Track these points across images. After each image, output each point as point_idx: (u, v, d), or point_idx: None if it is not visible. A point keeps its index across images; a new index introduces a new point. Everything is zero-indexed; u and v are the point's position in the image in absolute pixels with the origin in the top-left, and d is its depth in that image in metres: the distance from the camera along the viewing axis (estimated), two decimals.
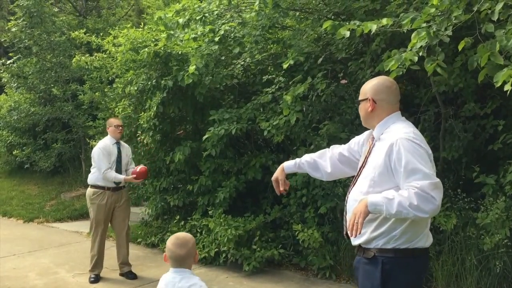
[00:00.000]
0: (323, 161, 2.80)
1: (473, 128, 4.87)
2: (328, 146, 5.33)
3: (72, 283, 5.26)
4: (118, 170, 5.42)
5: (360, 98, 2.51)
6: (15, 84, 10.87)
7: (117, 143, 5.49)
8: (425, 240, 2.34)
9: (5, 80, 11.10)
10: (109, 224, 5.57)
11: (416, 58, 2.92)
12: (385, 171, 2.28)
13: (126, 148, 5.65)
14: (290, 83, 5.46)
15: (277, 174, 2.87)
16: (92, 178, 5.42)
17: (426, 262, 2.40)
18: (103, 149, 5.37)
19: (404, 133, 2.28)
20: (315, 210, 5.39)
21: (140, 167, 5.40)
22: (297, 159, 2.87)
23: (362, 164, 2.47)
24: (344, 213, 2.54)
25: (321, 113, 5.52)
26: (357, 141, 2.72)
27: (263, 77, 5.87)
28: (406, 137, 2.25)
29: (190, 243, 2.51)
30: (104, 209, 5.34)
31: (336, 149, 2.82)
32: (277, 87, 5.61)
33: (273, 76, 5.77)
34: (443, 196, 4.79)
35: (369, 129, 2.58)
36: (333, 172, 2.78)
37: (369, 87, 2.46)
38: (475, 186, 4.69)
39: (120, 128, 5.52)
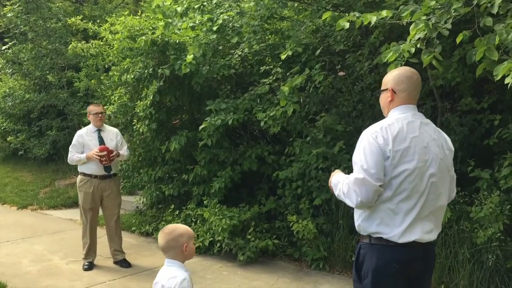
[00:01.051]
0: None
1: (469, 123, 4.89)
2: (324, 138, 5.39)
3: (65, 270, 5.26)
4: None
5: (381, 88, 2.55)
6: (10, 70, 10.78)
7: (98, 130, 5.40)
8: (398, 236, 2.33)
9: (0, 66, 11.00)
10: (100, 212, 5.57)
11: (413, 50, 2.91)
12: None
13: (112, 133, 5.50)
14: (288, 74, 5.45)
15: None
16: (80, 165, 5.40)
17: (404, 253, 2.36)
18: (77, 136, 5.37)
19: (373, 129, 2.37)
20: (310, 201, 5.41)
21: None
22: None
23: None
24: None
25: (318, 105, 5.52)
26: None
27: (261, 68, 5.85)
28: (370, 130, 2.37)
29: (173, 234, 2.47)
30: (90, 196, 5.30)
31: None
32: (274, 78, 5.59)
33: (271, 67, 5.76)
34: None
35: None
36: None
37: (390, 78, 2.49)
38: (470, 180, 4.71)
39: (100, 115, 5.37)
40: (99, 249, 5.59)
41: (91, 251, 5.42)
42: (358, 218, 2.46)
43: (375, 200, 2.32)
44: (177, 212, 6.25)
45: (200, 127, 5.55)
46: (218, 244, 5.60)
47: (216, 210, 5.65)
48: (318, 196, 5.29)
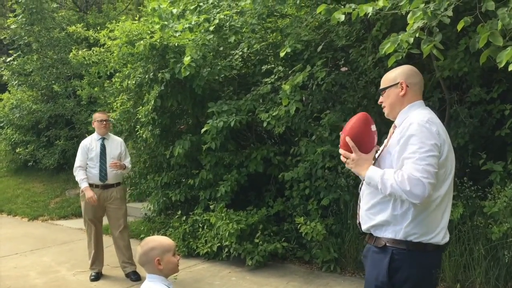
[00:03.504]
0: None
1: (479, 114, 4.71)
2: (330, 136, 5.24)
3: (72, 282, 5.19)
4: (103, 165, 5.21)
5: (385, 85, 2.40)
6: (16, 82, 10.80)
7: (102, 138, 5.31)
8: (441, 236, 2.24)
9: (6, 78, 11.04)
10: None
11: (411, 40, 2.76)
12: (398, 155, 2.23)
13: (116, 142, 5.40)
14: (290, 72, 5.33)
15: None
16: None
17: (439, 258, 2.31)
18: (82, 145, 5.28)
19: (421, 119, 2.20)
20: (318, 202, 5.27)
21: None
22: None
23: (382, 150, 2.39)
24: (358, 203, 2.47)
25: (322, 103, 5.38)
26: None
27: (262, 67, 5.73)
28: (419, 122, 2.17)
29: (144, 248, 2.30)
30: (91, 207, 5.18)
31: None
32: (276, 77, 5.47)
33: (273, 66, 5.63)
34: None
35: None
36: None
37: (398, 73, 2.38)
38: (482, 173, 4.54)
39: (104, 122, 5.28)
40: (107, 258, 5.51)
41: (97, 261, 5.34)
42: (401, 221, 2.20)
43: None
44: (184, 218, 6.15)
45: (203, 130, 5.44)
46: (226, 249, 5.49)
47: (222, 214, 5.54)
48: (325, 196, 5.15)
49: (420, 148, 2.10)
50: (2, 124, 11.43)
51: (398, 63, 5.18)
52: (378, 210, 2.27)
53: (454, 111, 4.75)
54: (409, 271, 2.19)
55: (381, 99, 2.45)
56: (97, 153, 5.22)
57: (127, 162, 5.41)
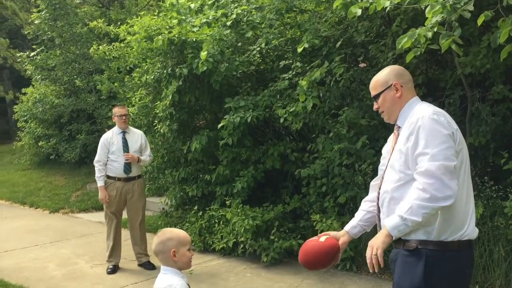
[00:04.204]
0: (371, 201, 2.52)
1: (502, 112, 4.59)
2: (348, 133, 5.18)
3: (89, 274, 5.25)
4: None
5: (379, 90, 2.32)
6: (39, 76, 10.98)
7: (123, 132, 5.42)
8: (472, 228, 2.17)
9: (29, 73, 11.23)
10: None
11: (430, 34, 2.69)
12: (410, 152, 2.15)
13: (137, 135, 5.52)
14: (308, 68, 5.27)
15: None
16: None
17: (472, 256, 2.23)
18: (103, 139, 5.41)
19: (427, 111, 2.14)
20: (334, 199, 5.21)
21: None
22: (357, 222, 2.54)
23: (390, 154, 2.31)
24: (377, 209, 2.38)
25: (340, 99, 5.31)
26: (385, 148, 2.52)
27: (280, 63, 5.69)
28: (426, 115, 2.11)
29: (160, 238, 2.32)
30: (113, 199, 5.32)
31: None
32: (294, 72, 5.42)
33: (291, 61, 5.59)
34: None
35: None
36: None
37: (387, 75, 2.32)
38: (504, 173, 4.42)
39: (124, 117, 5.39)
40: (125, 251, 5.56)
41: (114, 253, 5.40)
42: (433, 221, 2.09)
43: None
44: (200, 213, 6.16)
45: (219, 125, 5.43)
46: (242, 245, 5.48)
47: (238, 210, 5.53)
48: (342, 193, 5.09)
49: (433, 142, 2.03)
50: (25, 118, 11.65)
51: (419, 60, 5.15)
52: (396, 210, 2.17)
53: (476, 109, 4.64)
54: (444, 273, 2.11)
55: (375, 105, 2.37)
56: (119, 147, 5.33)
57: (147, 154, 5.53)
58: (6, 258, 5.86)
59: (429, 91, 5.10)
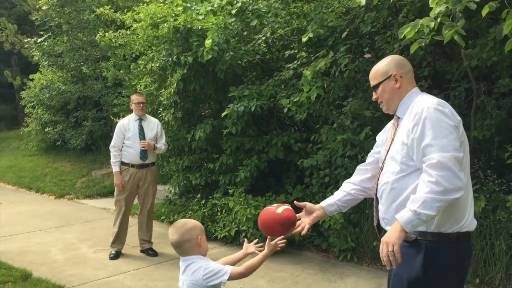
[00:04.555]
0: (354, 184, 2.54)
1: (508, 105, 4.54)
2: (351, 124, 5.16)
3: (92, 259, 5.30)
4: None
5: (378, 81, 2.29)
6: (46, 62, 11.01)
7: (139, 119, 5.46)
8: (470, 221, 2.15)
9: (37, 59, 11.26)
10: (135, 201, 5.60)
11: (432, 24, 2.66)
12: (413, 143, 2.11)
13: (153, 123, 5.56)
14: (313, 58, 5.24)
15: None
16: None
17: (470, 248, 2.21)
18: (119, 125, 5.47)
19: (431, 102, 2.10)
20: (337, 190, 5.19)
21: None
22: (336, 201, 2.56)
23: (389, 145, 2.28)
24: (374, 201, 2.36)
25: (344, 90, 5.28)
26: (380, 136, 2.51)
27: (285, 53, 5.66)
28: (431, 105, 2.07)
29: (184, 228, 2.35)
30: (126, 185, 5.36)
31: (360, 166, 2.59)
32: (299, 62, 5.40)
33: (296, 51, 5.56)
34: (472, 178, 4.51)
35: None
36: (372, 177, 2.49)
37: (387, 65, 2.28)
38: (508, 167, 4.39)
39: (141, 105, 5.44)
40: (128, 238, 5.59)
41: (118, 240, 5.44)
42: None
43: None
44: (203, 201, 6.18)
45: (223, 114, 5.43)
46: (244, 234, 5.50)
47: (241, 199, 5.54)
48: None
49: (441, 133, 1.99)
50: (33, 104, 11.71)
51: (425, 52, 5.10)
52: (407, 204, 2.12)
53: (481, 102, 4.60)
54: (443, 264, 2.10)
55: (375, 95, 2.34)
56: (135, 133, 5.38)
57: (163, 142, 5.58)
58: (11, 242, 5.93)
59: (435, 83, 5.06)
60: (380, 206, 2.27)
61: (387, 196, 2.21)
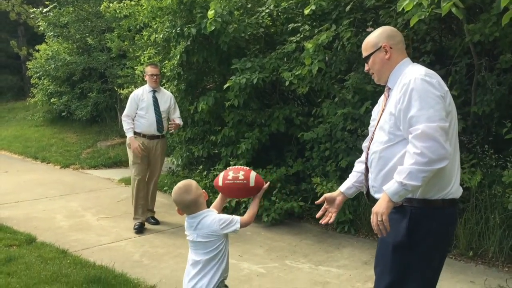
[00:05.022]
0: (364, 162, 2.52)
1: (508, 81, 4.55)
2: (352, 98, 5.19)
3: (95, 226, 5.43)
4: (158, 116, 5.38)
5: (369, 52, 2.33)
6: (52, 33, 11.02)
7: (153, 91, 5.44)
8: (456, 189, 2.21)
9: (42, 29, 11.26)
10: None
11: None
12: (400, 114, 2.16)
13: (166, 96, 5.55)
14: (316, 31, 5.24)
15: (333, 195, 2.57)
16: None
17: (455, 214, 2.28)
18: (133, 95, 5.44)
19: (419, 73, 2.13)
20: (337, 163, 5.27)
21: None
22: (353, 183, 2.57)
23: (380, 116, 2.33)
24: (365, 169, 2.42)
25: (346, 64, 5.29)
26: (375, 109, 2.53)
27: (289, 26, 5.65)
28: (418, 76, 2.11)
29: (193, 186, 2.52)
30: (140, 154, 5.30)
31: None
32: (302, 36, 5.40)
33: (299, 24, 5.55)
34: (469, 152, 4.54)
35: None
36: None
37: (378, 36, 2.32)
38: (506, 142, 4.42)
39: (155, 77, 5.39)
40: (131, 206, 5.67)
41: (138, 211, 5.37)
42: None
43: None
44: (205, 172, 6.27)
45: (225, 86, 5.46)
46: (244, 205, 5.60)
47: None
48: (344, 158, 5.14)
49: (427, 103, 2.04)
50: (38, 75, 11.76)
51: (429, 27, 5.08)
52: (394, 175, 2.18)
53: (482, 77, 4.60)
54: (428, 229, 2.17)
55: (366, 67, 2.38)
56: (149, 104, 5.37)
57: (177, 115, 5.59)
58: (17, 209, 6.07)
59: (437, 59, 5.06)
60: (370, 175, 2.33)
61: (375, 165, 2.27)
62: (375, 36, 2.32)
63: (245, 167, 2.63)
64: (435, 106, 2.04)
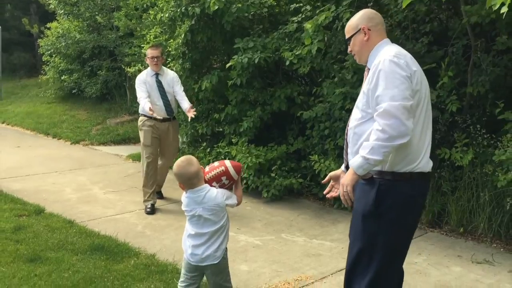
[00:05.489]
0: None
1: (504, 62, 4.61)
2: (352, 78, 5.29)
3: (102, 199, 5.66)
4: (165, 101, 5.33)
5: (350, 34, 2.46)
6: (62, 11, 11.16)
7: (156, 74, 5.31)
8: (425, 163, 2.34)
9: (53, 7, 11.40)
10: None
11: None
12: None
13: (170, 77, 5.40)
14: (317, 12, 5.32)
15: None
16: (139, 107, 5.38)
17: (425, 186, 2.42)
18: (139, 79, 5.31)
19: (388, 54, 2.26)
20: (335, 142, 5.40)
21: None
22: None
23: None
24: (345, 144, 2.56)
25: (345, 44, 5.36)
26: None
27: (291, 6, 5.73)
28: (387, 57, 2.23)
29: (194, 159, 2.68)
30: (150, 134, 5.26)
31: None
32: (303, 16, 5.48)
33: (301, 4, 5.63)
34: (462, 131, 4.63)
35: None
36: None
37: (358, 19, 2.45)
38: (498, 123, 4.51)
39: (155, 59, 5.24)
40: (136, 181, 5.86)
41: (147, 193, 5.29)
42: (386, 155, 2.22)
43: None
44: (208, 149, 6.45)
45: (227, 65, 5.59)
46: (245, 181, 5.77)
47: (243, 148, 5.78)
48: (341, 136, 5.27)
49: (392, 83, 2.17)
50: (50, 52, 11.95)
51: (429, 8, 5.13)
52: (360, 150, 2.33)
53: (478, 58, 4.67)
54: (394, 199, 2.31)
55: (349, 48, 2.51)
56: (154, 88, 5.28)
57: (183, 96, 5.41)
58: (28, 181, 6.32)
59: (435, 40, 5.13)
60: (348, 150, 2.49)
61: (351, 140, 2.43)
62: (356, 19, 2.45)
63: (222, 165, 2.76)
64: (400, 86, 2.17)
